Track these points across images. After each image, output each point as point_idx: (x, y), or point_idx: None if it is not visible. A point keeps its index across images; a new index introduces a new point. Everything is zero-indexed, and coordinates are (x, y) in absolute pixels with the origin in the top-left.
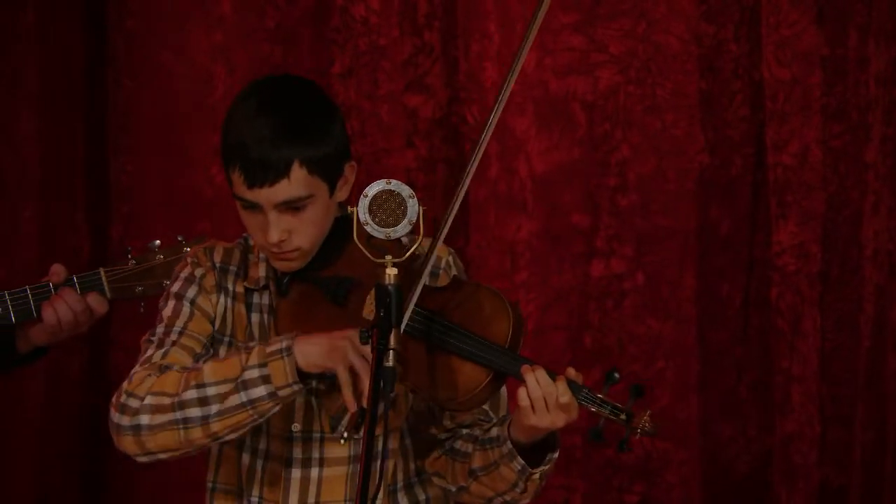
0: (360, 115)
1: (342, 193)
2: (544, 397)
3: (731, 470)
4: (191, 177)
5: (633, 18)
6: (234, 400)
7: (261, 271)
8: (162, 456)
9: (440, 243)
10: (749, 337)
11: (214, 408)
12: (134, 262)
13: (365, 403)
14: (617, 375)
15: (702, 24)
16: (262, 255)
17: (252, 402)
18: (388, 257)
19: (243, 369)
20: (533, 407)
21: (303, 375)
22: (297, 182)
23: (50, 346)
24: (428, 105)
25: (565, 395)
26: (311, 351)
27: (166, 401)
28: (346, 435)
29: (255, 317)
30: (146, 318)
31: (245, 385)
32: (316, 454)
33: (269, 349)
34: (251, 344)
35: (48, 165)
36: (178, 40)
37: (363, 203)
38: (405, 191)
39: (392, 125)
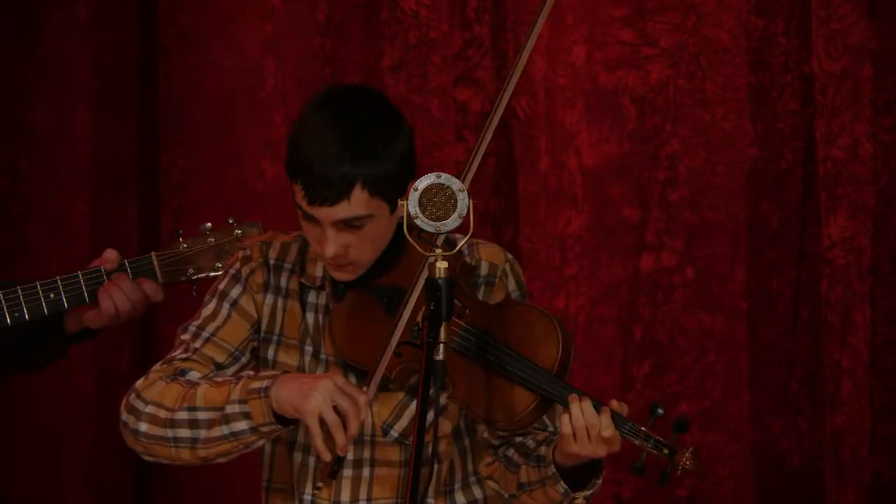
0: (409, 108)
1: (400, 209)
2: (587, 428)
3: (782, 464)
4: (241, 171)
5: (682, 12)
6: (218, 431)
7: (318, 270)
8: (164, 461)
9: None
10: (799, 331)
11: (202, 433)
12: (185, 245)
13: (339, 452)
14: (660, 411)
15: (752, 17)
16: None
17: (235, 435)
18: (438, 251)
19: (227, 402)
20: (575, 436)
21: (280, 418)
22: (357, 203)
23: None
24: (478, 98)
25: (608, 430)
26: (283, 397)
27: (162, 415)
28: (318, 485)
29: (310, 316)
30: (194, 313)
31: (227, 419)
32: (367, 455)
33: (251, 386)
34: (246, 373)
35: (101, 159)
36: (229, 34)
37: (413, 197)
38: (455, 184)
39: (442, 119)
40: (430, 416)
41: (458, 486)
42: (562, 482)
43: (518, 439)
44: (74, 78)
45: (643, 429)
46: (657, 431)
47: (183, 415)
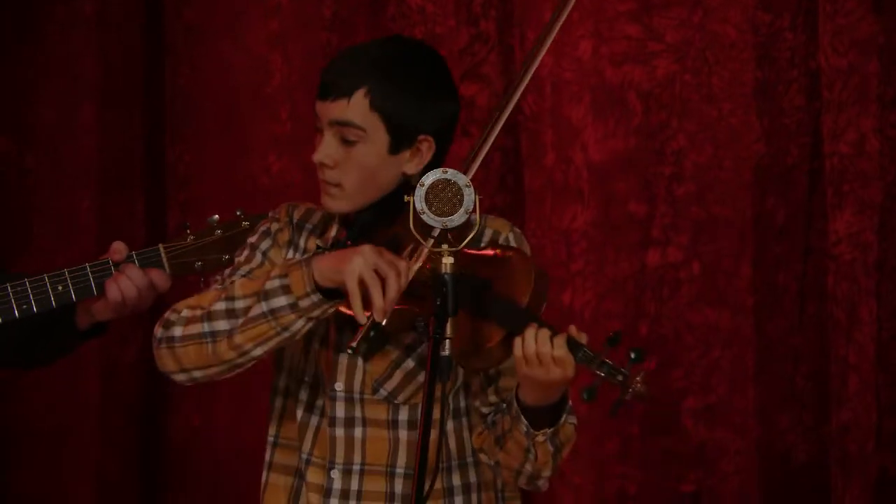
0: None
1: (409, 165)
2: (538, 353)
3: (787, 459)
4: (248, 166)
5: (689, 7)
6: (257, 310)
7: (333, 231)
8: (196, 374)
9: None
10: (805, 326)
11: (240, 320)
12: (192, 237)
13: (377, 317)
14: (619, 335)
15: (758, 12)
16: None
17: (273, 312)
18: (445, 246)
19: (267, 281)
20: (526, 358)
21: (323, 292)
22: (354, 108)
23: (110, 322)
24: (484, 94)
25: (560, 349)
26: (324, 265)
27: (199, 312)
28: (353, 345)
29: None
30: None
31: (266, 295)
32: (358, 413)
33: (292, 260)
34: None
35: (107, 155)
36: (236, 30)
37: (419, 192)
38: (462, 180)
39: None
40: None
41: (455, 464)
42: (523, 419)
43: (504, 405)
44: (80, 73)
45: (599, 355)
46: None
47: (220, 305)
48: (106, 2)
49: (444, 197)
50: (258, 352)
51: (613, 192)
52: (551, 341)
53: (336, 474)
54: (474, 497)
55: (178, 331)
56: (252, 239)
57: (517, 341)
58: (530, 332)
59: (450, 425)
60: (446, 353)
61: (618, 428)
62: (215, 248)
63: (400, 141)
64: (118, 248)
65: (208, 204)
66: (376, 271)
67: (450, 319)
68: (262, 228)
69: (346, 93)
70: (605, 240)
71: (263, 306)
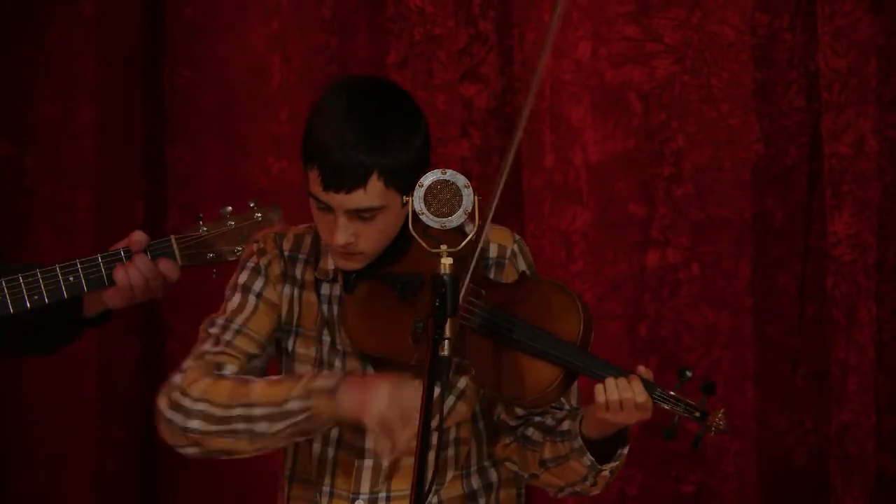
0: None
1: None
2: (621, 400)
3: (787, 460)
4: (247, 166)
5: (687, 8)
6: (279, 426)
7: (331, 263)
8: (214, 453)
9: (485, 232)
10: (805, 327)
11: (259, 426)
12: (205, 229)
13: (386, 458)
14: (689, 373)
15: (757, 13)
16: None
17: (295, 425)
18: (444, 247)
19: (286, 399)
20: (608, 406)
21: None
22: (372, 193)
23: (115, 311)
24: (483, 94)
25: (642, 396)
26: (348, 402)
27: (217, 412)
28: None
29: (325, 307)
30: (199, 305)
31: (288, 415)
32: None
33: (313, 385)
34: (305, 373)
35: (106, 154)
36: (235, 30)
37: (418, 193)
38: (460, 180)
39: (447, 115)
40: (451, 401)
41: (473, 468)
42: (588, 454)
43: (537, 418)
44: (80, 73)
45: (672, 393)
46: (685, 396)
47: (238, 411)
48: (106, 2)
49: (442, 198)
50: (280, 445)
51: (613, 193)
52: (632, 387)
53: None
54: (493, 495)
55: (195, 424)
56: (242, 279)
57: (599, 388)
58: (611, 381)
59: (466, 434)
60: (445, 353)
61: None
62: (227, 240)
63: (408, 192)
64: (138, 239)
65: (207, 204)
66: (400, 416)
67: (449, 320)
68: (251, 265)
69: (361, 182)
70: (605, 241)
71: (285, 423)
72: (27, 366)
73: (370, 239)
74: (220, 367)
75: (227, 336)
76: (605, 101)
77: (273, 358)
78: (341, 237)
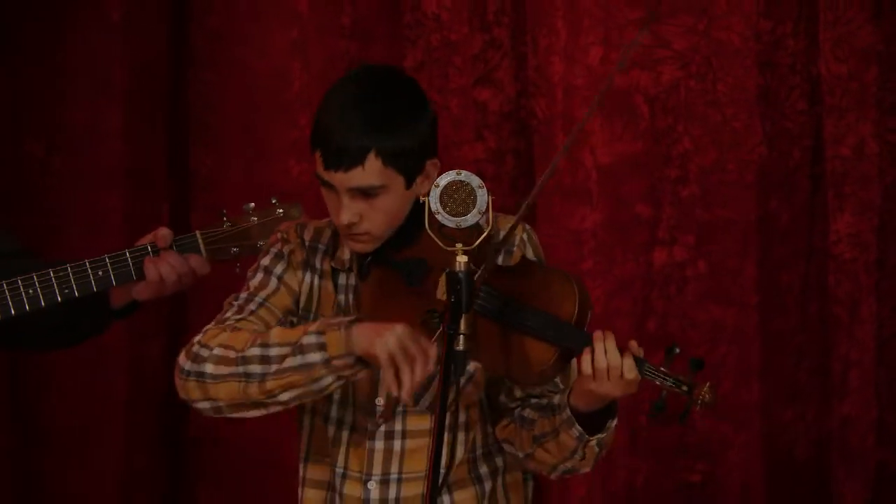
0: None
1: (422, 188)
2: (608, 368)
3: (790, 452)
4: (268, 169)
5: (694, 15)
6: (290, 361)
7: (346, 253)
8: (224, 408)
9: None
10: (808, 324)
11: (273, 367)
12: (229, 224)
13: (403, 396)
14: (677, 350)
15: (761, 20)
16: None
17: (306, 367)
18: (459, 245)
19: (304, 335)
20: (595, 375)
21: (356, 357)
22: (370, 171)
23: (147, 301)
24: (497, 99)
25: (631, 371)
26: (361, 334)
27: (232, 354)
28: (380, 420)
29: (341, 297)
30: (229, 291)
31: (302, 349)
32: (399, 427)
33: (331, 321)
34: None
35: (133, 158)
36: (257, 37)
37: (434, 193)
38: (475, 181)
39: (462, 118)
40: (461, 384)
41: (479, 453)
42: (577, 425)
43: (534, 400)
44: (107, 78)
45: (662, 369)
46: (675, 372)
47: (255, 350)
48: (132, 9)
49: (457, 198)
50: (286, 397)
51: (621, 194)
52: (621, 360)
53: (373, 485)
54: (500, 480)
55: (209, 367)
56: (265, 262)
57: (585, 359)
58: (600, 349)
59: (474, 417)
60: (461, 347)
61: (626, 420)
62: (251, 234)
63: (413, 175)
64: (164, 235)
65: (230, 206)
66: (407, 352)
67: (464, 315)
68: (274, 250)
69: (358, 160)
70: (614, 240)
71: (298, 359)
72: (57, 361)
73: (374, 220)
74: (240, 329)
75: (251, 307)
76: (613, 105)
77: None
78: (345, 216)
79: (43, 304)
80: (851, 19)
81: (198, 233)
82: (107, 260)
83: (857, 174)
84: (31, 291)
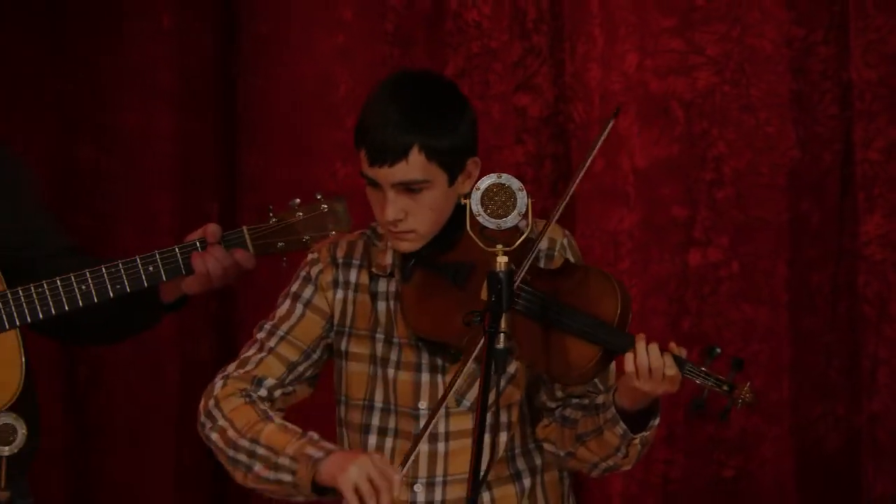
0: None
1: (464, 186)
2: (650, 367)
3: (820, 447)
4: (314, 170)
5: (728, 23)
6: (267, 473)
7: (388, 258)
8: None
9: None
10: (837, 322)
11: (256, 466)
12: (275, 220)
13: None
14: (718, 350)
15: (793, 28)
16: (389, 242)
17: (279, 483)
18: (499, 246)
19: (282, 453)
20: (638, 373)
21: (317, 487)
22: (414, 166)
23: (196, 295)
24: (536, 104)
25: (672, 369)
26: (325, 470)
27: (231, 434)
28: None
29: (381, 305)
30: (273, 300)
31: (277, 467)
32: (442, 429)
33: (306, 450)
34: (310, 434)
35: (184, 159)
36: (304, 43)
37: (475, 196)
38: (515, 184)
39: (502, 123)
40: (502, 384)
41: (518, 451)
42: (621, 423)
43: (574, 400)
44: (159, 83)
45: (703, 369)
46: (715, 372)
47: (245, 443)
48: (183, 15)
49: (498, 200)
50: (268, 495)
51: (658, 196)
52: (662, 358)
53: (419, 488)
54: (539, 478)
55: (213, 436)
56: (294, 287)
57: (628, 357)
58: (642, 347)
59: (515, 417)
60: (501, 346)
61: (663, 415)
62: (296, 230)
63: (455, 173)
64: (212, 231)
65: (277, 206)
66: (371, 482)
67: (504, 315)
68: (303, 274)
69: (402, 155)
70: (650, 241)
71: (272, 474)
72: (111, 358)
73: (419, 216)
74: (259, 381)
75: (272, 343)
76: (650, 110)
77: (319, 363)
78: (391, 212)
79: (96, 299)
80: (881, 26)
81: (245, 228)
82: (157, 256)
83: (887, 177)
84: (83, 287)
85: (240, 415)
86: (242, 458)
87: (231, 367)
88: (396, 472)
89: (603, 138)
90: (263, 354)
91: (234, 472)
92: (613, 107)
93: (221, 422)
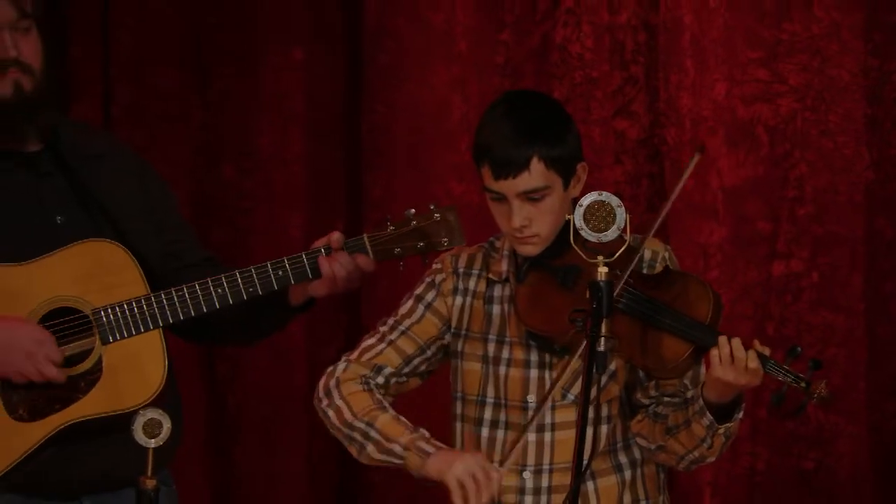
0: None
1: (575, 190)
2: (733, 356)
3: (894, 443)
4: (432, 190)
5: (809, 55)
6: (379, 455)
7: (503, 266)
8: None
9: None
10: None
11: (369, 447)
12: (392, 227)
13: None
14: (799, 350)
15: (869, 58)
16: (505, 251)
17: (387, 462)
18: (600, 257)
19: (394, 441)
20: (721, 360)
21: (421, 478)
22: (536, 174)
23: (323, 298)
24: (633, 128)
25: (753, 362)
26: (434, 464)
27: (346, 416)
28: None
29: (495, 308)
30: (390, 310)
31: (388, 452)
32: (548, 420)
33: (418, 443)
34: (422, 430)
35: (313, 180)
36: (423, 73)
37: (578, 211)
38: (614, 201)
39: (603, 145)
40: (603, 381)
41: (619, 445)
42: (708, 414)
43: (667, 398)
44: (291, 109)
45: (784, 366)
46: (795, 370)
47: (360, 425)
48: (313, 49)
49: (599, 215)
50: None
51: (744, 213)
52: (745, 352)
53: (528, 475)
54: (639, 471)
55: (330, 413)
56: (418, 290)
57: (714, 350)
58: (725, 339)
59: (615, 411)
60: (602, 348)
61: (748, 413)
62: (412, 237)
63: (569, 178)
64: (337, 238)
65: (394, 217)
66: (474, 479)
67: (605, 320)
68: (428, 279)
69: (524, 166)
70: (737, 253)
71: (383, 457)
72: (246, 359)
73: (542, 220)
74: (378, 369)
75: (393, 335)
76: (737, 133)
77: (432, 359)
78: (517, 220)
79: (231, 301)
80: None
81: (365, 236)
82: (286, 261)
83: None
84: (219, 290)
85: (357, 399)
86: (357, 437)
87: (354, 354)
88: (497, 472)
89: (689, 171)
90: (384, 346)
91: (350, 447)
92: (704, 131)
93: (339, 401)
